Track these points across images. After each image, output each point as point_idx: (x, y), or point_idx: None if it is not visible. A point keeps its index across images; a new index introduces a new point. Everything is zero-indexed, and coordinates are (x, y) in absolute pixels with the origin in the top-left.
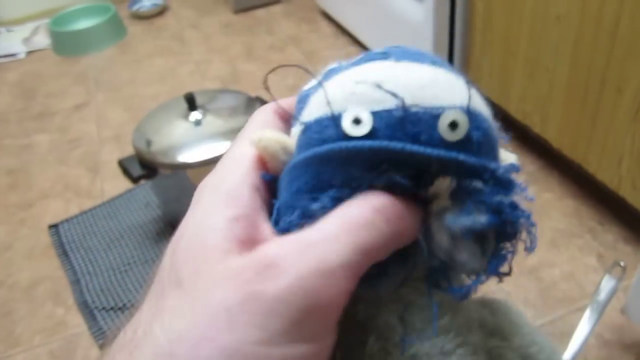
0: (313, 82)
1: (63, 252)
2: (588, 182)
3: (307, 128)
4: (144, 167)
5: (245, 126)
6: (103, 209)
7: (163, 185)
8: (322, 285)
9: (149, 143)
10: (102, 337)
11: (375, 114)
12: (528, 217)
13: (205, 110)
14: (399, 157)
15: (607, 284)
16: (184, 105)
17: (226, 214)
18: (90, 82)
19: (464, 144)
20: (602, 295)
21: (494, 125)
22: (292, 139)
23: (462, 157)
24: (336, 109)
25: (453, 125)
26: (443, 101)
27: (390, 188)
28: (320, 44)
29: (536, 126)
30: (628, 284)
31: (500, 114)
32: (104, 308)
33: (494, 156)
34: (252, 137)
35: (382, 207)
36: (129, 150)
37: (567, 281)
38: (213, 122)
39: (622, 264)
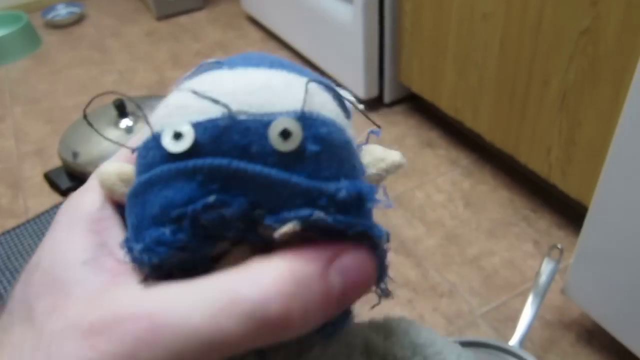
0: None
1: None
2: (520, 173)
3: (137, 154)
4: (73, 179)
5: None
6: (28, 227)
7: None
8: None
9: (76, 153)
10: None
11: (197, 126)
12: (380, 235)
13: (136, 117)
14: (228, 174)
15: (547, 266)
16: (112, 112)
17: (88, 241)
18: (5, 94)
19: (299, 155)
20: (543, 277)
21: (342, 127)
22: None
23: (294, 179)
24: (158, 127)
25: (285, 134)
26: (275, 107)
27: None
28: (248, 49)
29: (468, 121)
30: (565, 266)
31: (433, 110)
32: None
33: (342, 165)
34: (98, 170)
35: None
36: (53, 165)
37: (508, 268)
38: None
39: (559, 246)
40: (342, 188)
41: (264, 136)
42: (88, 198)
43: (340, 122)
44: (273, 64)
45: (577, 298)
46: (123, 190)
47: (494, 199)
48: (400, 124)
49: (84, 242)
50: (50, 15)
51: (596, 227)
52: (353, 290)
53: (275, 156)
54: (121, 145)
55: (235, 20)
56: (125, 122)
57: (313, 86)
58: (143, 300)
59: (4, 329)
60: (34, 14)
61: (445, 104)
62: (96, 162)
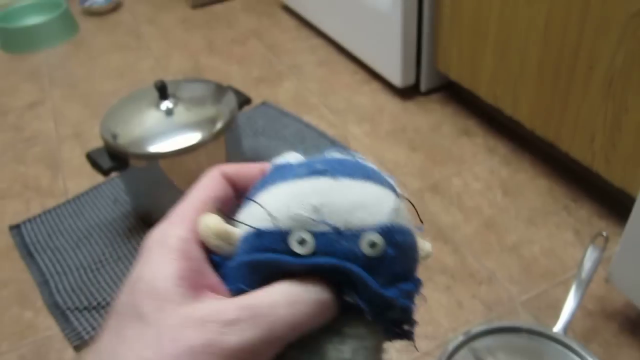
0: (272, 165)
1: (28, 253)
2: (559, 161)
3: (259, 235)
4: (114, 159)
5: (194, 187)
6: (68, 207)
7: (134, 178)
8: (265, 349)
9: (118, 134)
10: (77, 338)
11: (315, 235)
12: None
13: (177, 99)
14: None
15: (591, 254)
16: (154, 94)
17: (179, 265)
18: (44, 79)
19: (381, 259)
20: (587, 265)
21: (412, 231)
22: (238, 228)
23: (372, 283)
24: (284, 226)
25: (372, 244)
26: (367, 222)
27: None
28: (282, 37)
29: (508, 108)
30: (609, 255)
31: (470, 99)
32: (76, 308)
33: (410, 264)
34: (199, 220)
35: (310, 299)
36: (91, 147)
37: (548, 257)
38: (185, 111)
39: (604, 234)
40: (397, 298)
41: (357, 245)
42: (174, 232)
43: (410, 226)
44: (367, 176)
45: (621, 286)
46: (215, 243)
47: (533, 187)
48: (436, 112)
49: (177, 264)
50: (88, 3)
51: None
52: None
53: (365, 259)
54: (249, 226)
55: (269, 9)
56: (166, 104)
57: (397, 204)
58: (240, 300)
59: (119, 328)
60: (72, 1)
61: (484, 91)
62: (135, 144)
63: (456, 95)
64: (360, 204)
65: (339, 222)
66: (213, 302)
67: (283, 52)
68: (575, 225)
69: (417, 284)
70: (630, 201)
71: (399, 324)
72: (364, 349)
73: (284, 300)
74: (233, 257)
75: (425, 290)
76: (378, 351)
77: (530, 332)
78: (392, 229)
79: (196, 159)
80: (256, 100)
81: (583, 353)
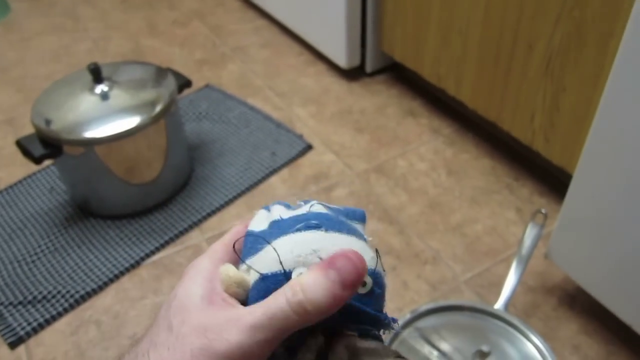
0: (256, 225)
1: None
2: (501, 141)
3: (265, 278)
4: (47, 146)
5: (224, 237)
6: (0, 198)
7: (69, 166)
8: (254, 351)
9: (50, 120)
10: (11, 334)
11: None
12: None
13: (112, 83)
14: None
15: (530, 231)
16: (87, 77)
17: (204, 285)
18: None
19: (369, 294)
20: (527, 242)
21: (384, 275)
22: (246, 276)
23: (368, 309)
24: (287, 267)
25: (364, 284)
26: None
27: None
28: (226, 18)
29: (451, 89)
30: (548, 232)
31: (414, 80)
32: (10, 303)
33: (384, 296)
34: (220, 269)
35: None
36: (24, 134)
37: (490, 235)
38: (121, 95)
39: (543, 211)
40: (386, 318)
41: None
42: (206, 262)
43: (382, 273)
44: (350, 231)
45: (560, 262)
46: (234, 290)
47: (477, 167)
48: (382, 93)
49: (202, 286)
50: None
51: (581, 192)
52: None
53: (359, 295)
54: (254, 270)
55: None
56: (101, 88)
57: (374, 255)
58: (227, 313)
59: (155, 335)
60: None
61: (427, 72)
62: (68, 129)
63: (401, 76)
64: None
65: None
66: (218, 312)
67: (227, 33)
68: (517, 203)
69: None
70: (569, 179)
71: (379, 331)
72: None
73: (265, 315)
74: (247, 302)
75: None
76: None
77: (473, 309)
78: (377, 274)
79: (134, 144)
80: (199, 83)
81: (523, 328)
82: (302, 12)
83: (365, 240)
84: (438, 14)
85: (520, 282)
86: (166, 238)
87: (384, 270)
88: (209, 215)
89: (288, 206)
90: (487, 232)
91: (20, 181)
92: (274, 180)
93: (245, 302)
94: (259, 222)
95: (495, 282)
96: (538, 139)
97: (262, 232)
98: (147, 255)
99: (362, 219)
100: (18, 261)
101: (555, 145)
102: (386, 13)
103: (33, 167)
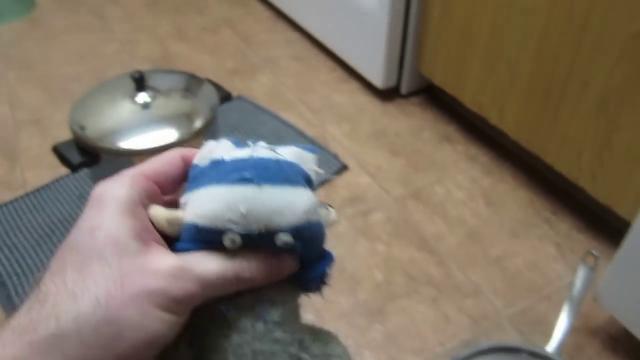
0: (201, 158)
1: None
2: (539, 173)
3: (200, 230)
4: (84, 153)
5: (148, 164)
6: (27, 201)
7: (103, 174)
8: (200, 297)
9: (89, 126)
10: None
11: (243, 236)
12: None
13: (154, 92)
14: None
15: (581, 274)
16: (129, 85)
17: (133, 224)
18: None
19: (292, 249)
20: (579, 284)
21: (320, 222)
22: (180, 213)
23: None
24: (218, 225)
25: (285, 242)
26: (282, 224)
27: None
28: (256, 28)
29: (493, 118)
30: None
31: (450, 104)
32: None
33: (319, 246)
34: (150, 208)
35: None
36: (51, 136)
37: (531, 270)
38: (162, 106)
39: (594, 252)
40: (312, 272)
41: (274, 242)
42: (125, 192)
43: (319, 218)
44: (284, 178)
45: (609, 305)
46: (166, 226)
47: (515, 198)
48: (416, 116)
49: (130, 220)
50: None
51: None
52: (277, 275)
53: (278, 250)
54: (191, 215)
55: None
56: (143, 97)
57: (309, 203)
58: (180, 262)
59: (81, 264)
60: None
61: (469, 99)
62: (108, 138)
63: (436, 99)
64: (278, 210)
65: (261, 225)
66: (163, 257)
67: (257, 43)
68: (557, 238)
69: (327, 256)
70: (614, 218)
71: (321, 285)
72: (288, 310)
73: (216, 268)
74: (180, 238)
75: (412, 302)
76: (297, 308)
77: (531, 353)
78: (301, 228)
79: None
80: (231, 92)
81: None
82: (338, 28)
83: (303, 182)
84: (486, 41)
85: (572, 325)
86: None
87: (329, 208)
88: None
89: (237, 143)
90: (528, 267)
91: (47, 185)
92: None
93: (174, 237)
94: (204, 155)
95: (538, 320)
96: (585, 176)
97: (203, 169)
98: None
99: (311, 151)
100: (45, 268)
101: (603, 184)
102: (429, 35)
103: (61, 170)
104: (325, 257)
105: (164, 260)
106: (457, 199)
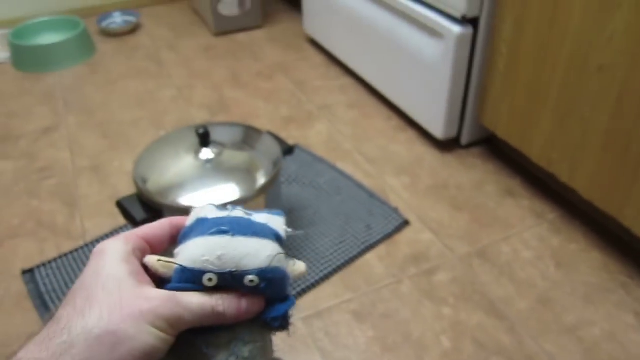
0: (190, 218)
1: (42, 304)
2: (613, 233)
3: (185, 270)
4: (148, 209)
5: (140, 228)
6: (87, 251)
7: None
8: (182, 323)
9: (151, 180)
10: None
11: (218, 274)
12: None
13: (218, 148)
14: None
15: None
16: (192, 139)
17: (127, 267)
18: (58, 102)
19: (257, 289)
20: None
21: (282, 269)
22: (173, 260)
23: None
24: (198, 267)
25: (252, 281)
26: (250, 266)
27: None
28: (310, 74)
29: (563, 175)
30: None
31: (512, 156)
32: None
33: (282, 289)
34: (146, 260)
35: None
36: (110, 184)
37: (610, 341)
38: (226, 161)
39: None
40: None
41: (242, 281)
42: (120, 246)
43: (282, 265)
44: (254, 231)
45: None
46: (161, 270)
47: (587, 260)
48: (477, 168)
49: (125, 265)
50: (105, 23)
51: None
52: (247, 313)
53: (248, 290)
54: (175, 263)
55: (295, 41)
56: (206, 154)
57: (273, 252)
58: (168, 293)
59: (87, 295)
60: (89, 19)
61: (536, 154)
62: (173, 194)
63: (497, 150)
64: (247, 254)
65: (233, 266)
66: (154, 290)
67: (312, 90)
68: (635, 306)
69: (290, 298)
70: None
71: (284, 325)
72: (257, 348)
73: (197, 300)
74: (171, 279)
75: None
76: (268, 347)
77: None
78: (265, 271)
79: None
80: (288, 141)
81: None
82: (396, 76)
83: (270, 236)
84: (556, 96)
85: None
86: None
87: (296, 261)
88: (304, 291)
89: (219, 208)
90: (606, 338)
91: (107, 235)
92: (370, 257)
93: (165, 280)
94: (192, 217)
95: None
96: None
97: (191, 227)
98: None
99: (279, 215)
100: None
101: None
102: (493, 86)
103: (119, 220)
104: (287, 300)
105: (155, 291)
106: (525, 259)
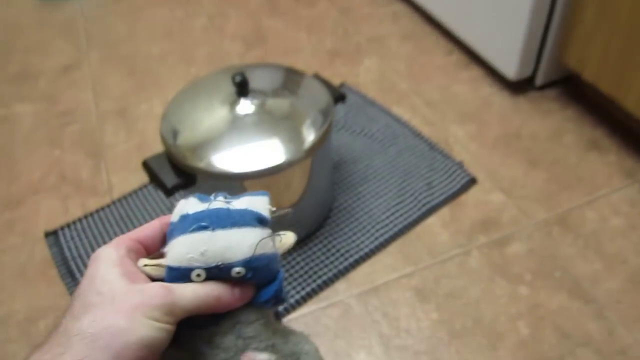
0: (174, 214)
1: (67, 272)
2: None
3: (172, 269)
4: (179, 174)
5: (133, 231)
6: (114, 211)
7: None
8: (177, 313)
9: (184, 142)
10: None
11: (207, 269)
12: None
13: (259, 99)
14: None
15: None
16: (229, 88)
17: (120, 270)
18: (80, 35)
19: (244, 278)
20: None
21: (270, 254)
22: (163, 261)
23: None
24: (184, 265)
25: (238, 273)
26: (235, 258)
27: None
28: (359, 3)
29: None
30: None
31: (595, 99)
32: None
33: (270, 272)
34: (140, 261)
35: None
36: (137, 131)
37: None
38: (268, 115)
39: None
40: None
41: (229, 273)
42: (112, 252)
43: (269, 250)
44: (233, 222)
45: None
46: (152, 272)
47: None
48: (555, 114)
49: (118, 269)
50: None
51: None
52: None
53: (235, 279)
54: (161, 265)
55: None
56: (245, 106)
57: (255, 240)
58: (161, 283)
59: (83, 301)
60: None
61: (633, 103)
62: (207, 158)
63: (577, 93)
64: (229, 247)
65: (218, 260)
66: (147, 284)
67: (359, 19)
68: None
69: (278, 277)
70: None
71: (278, 302)
72: (259, 325)
73: (191, 288)
74: (164, 280)
75: None
76: (271, 321)
77: None
78: (250, 261)
79: (276, 179)
80: (333, 80)
81: None
82: (459, 3)
83: (251, 222)
84: None
85: None
86: (308, 289)
87: (283, 234)
88: (357, 262)
89: (201, 198)
90: None
91: (135, 192)
92: (433, 221)
93: (159, 281)
94: (176, 213)
95: None
96: None
97: (175, 225)
98: (287, 311)
99: (263, 195)
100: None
101: None
102: (583, 18)
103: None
104: (276, 279)
105: (148, 285)
106: (614, 228)
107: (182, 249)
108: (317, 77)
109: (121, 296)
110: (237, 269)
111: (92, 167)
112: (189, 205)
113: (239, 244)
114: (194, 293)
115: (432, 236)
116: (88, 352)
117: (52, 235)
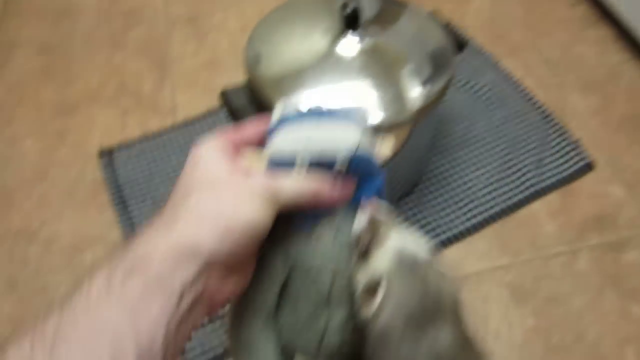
0: (276, 117)
1: (120, 199)
2: None
3: (274, 162)
4: (263, 110)
5: (230, 133)
6: (178, 136)
7: None
8: (276, 204)
9: (269, 74)
10: None
11: (309, 163)
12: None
13: (369, 35)
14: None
15: None
16: (331, 14)
17: (227, 166)
18: None
19: (347, 171)
20: None
21: (369, 151)
22: (268, 150)
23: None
24: (287, 158)
25: (342, 165)
26: (342, 149)
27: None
28: None
29: None
30: None
31: None
32: None
33: (370, 169)
34: (247, 153)
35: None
36: (208, 44)
37: None
38: (377, 58)
39: None
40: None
41: (332, 166)
42: (212, 142)
43: (368, 147)
44: (337, 119)
45: None
46: (254, 162)
47: None
48: None
49: (222, 155)
50: None
51: None
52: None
53: (337, 173)
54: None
55: None
56: (351, 41)
57: (358, 135)
58: (267, 173)
59: (187, 191)
60: None
61: None
62: (282, 87)
63: None
64: (332, 139)
65: (321, 153)
66: (251, 171)
67: None
68: None
69: (380, 174)
70: None
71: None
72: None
73: (293, 179)
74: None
75: None
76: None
77: None
78: (354, 155)
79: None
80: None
81: None
82: None
83: (356, 122)
84: None
85: None
86: None
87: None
88: (449, 241)
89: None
90: None
91: (203, 117)
92: (539, 207)
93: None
94: (276, 114)
95: None
96: None
97: (276, 123)
98: None
99: (360, 110)
100: None
101: None
102: None
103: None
104: (377, 176)
105: (253, 172)
106: None
107: (287, 143)
108: (435, 16)
109: (227, 179)
110: (340, 161)
111: (156, 80)
112: (289, 108)
113: (342, 136)
114: (296, 183)
115: (536, 225)
116: (196, 229)
117: (106, 156)
